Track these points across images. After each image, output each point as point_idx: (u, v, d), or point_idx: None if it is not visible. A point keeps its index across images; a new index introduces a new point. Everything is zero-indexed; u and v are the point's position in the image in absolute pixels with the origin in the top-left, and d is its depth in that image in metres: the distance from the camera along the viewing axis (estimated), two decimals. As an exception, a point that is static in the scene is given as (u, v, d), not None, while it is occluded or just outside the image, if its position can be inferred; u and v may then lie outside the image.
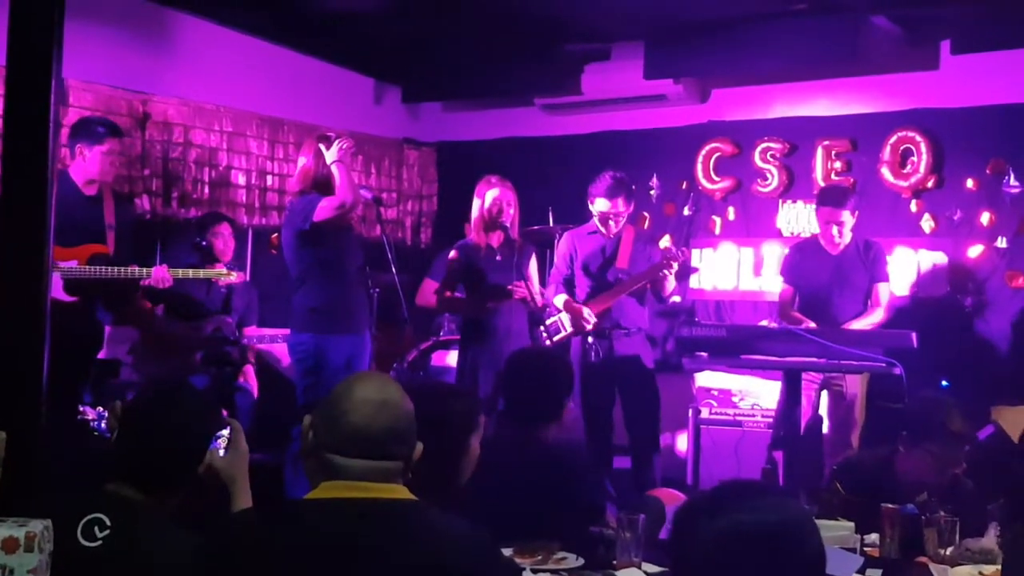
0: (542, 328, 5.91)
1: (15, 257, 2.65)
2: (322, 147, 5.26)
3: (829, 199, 5.76)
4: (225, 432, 2.79)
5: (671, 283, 5.72)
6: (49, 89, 2.62)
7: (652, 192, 7.65)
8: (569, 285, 5.89)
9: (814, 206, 6.15)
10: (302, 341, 5.31)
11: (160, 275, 5.30)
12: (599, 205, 5.75)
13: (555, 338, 5.85)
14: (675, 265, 5.67)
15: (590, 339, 5.69)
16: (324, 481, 2.27)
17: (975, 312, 6.56)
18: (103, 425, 3.45)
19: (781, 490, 1.84)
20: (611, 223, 5.77)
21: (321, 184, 5.24)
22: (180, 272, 5.44)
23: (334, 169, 5.21)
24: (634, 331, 5.80)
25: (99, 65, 6.34)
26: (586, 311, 5.69)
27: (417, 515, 2.26)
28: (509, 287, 5.61)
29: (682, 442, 6.79)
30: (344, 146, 5.25)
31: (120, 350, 6.03)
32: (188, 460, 2.68)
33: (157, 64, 6.80)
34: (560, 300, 5.85)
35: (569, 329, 5.80)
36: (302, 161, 5.36)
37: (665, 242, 7.21)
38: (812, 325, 5.39)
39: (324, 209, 5.17)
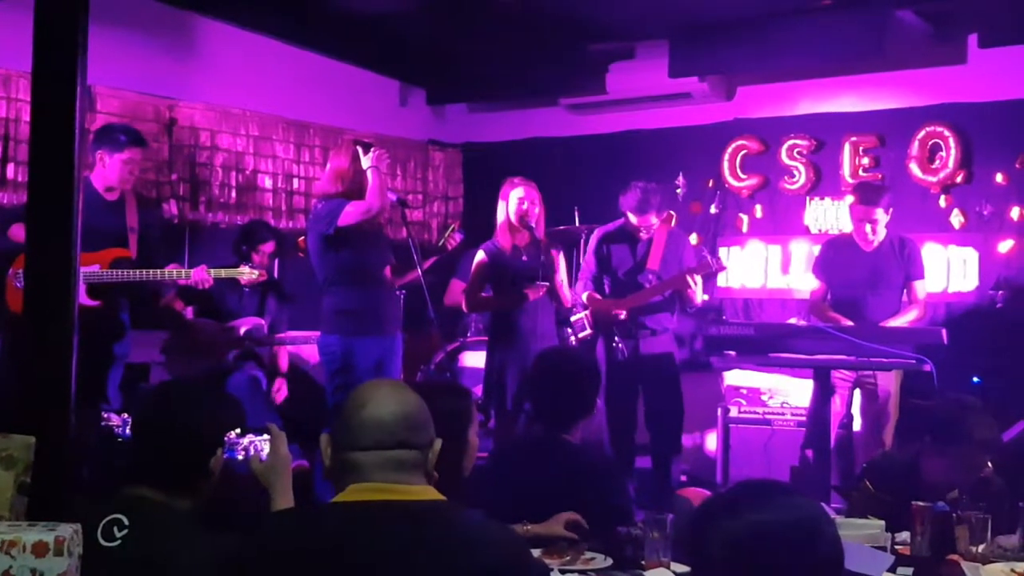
0: (569, 326, 5.90)
1: (42, 264, 2.67)
2: (359, 150, 5.27)
3: (862, 197, 5.69)
4: (265, 438, 2.80)
5: (698, 295, 5.67)
6: (74, 96, 2.63)
7: (678, 191, 7.62)
8: (598, 283, 5.87)
9: (846, 202, 6.08)
10: (330, 343, 5.34)
11: (200, 276, 5.33)
12: (629, 218, 5.74)
13: (580, 335, 5.84)
14: (700, 276, 5.63)
15: (616, 339, 5.67)
16: (350, 484, 2.27)
17: (1006, 307, 6.49)
18: (128, 431, 3.46)
19: (796, 489, 1.84)
20: (642, 233, 5.76)
21: (352, 188, 5.25)
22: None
23: (369, 174, 5.22)
24: (660, 331, 5.77)
25: (125, 71, 6.38)
26: (614, 306, 5.67)
27: (446, 516, 2.25)
28: (534, 284, 5.60)
29: (711, 441, 6.77)
30: (381, 154, 5.30)
31: (151, 353, 6.07)
32: (198, 457, 2.67)
33: (183, 69, 6.84)
34: (586, 296, 5.84)
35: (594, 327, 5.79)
36: (334, 163, 5.35)
37: (693, 239, 7.15)
38: (849, 324, 5.34)
39: (350, 214, 5.17)
